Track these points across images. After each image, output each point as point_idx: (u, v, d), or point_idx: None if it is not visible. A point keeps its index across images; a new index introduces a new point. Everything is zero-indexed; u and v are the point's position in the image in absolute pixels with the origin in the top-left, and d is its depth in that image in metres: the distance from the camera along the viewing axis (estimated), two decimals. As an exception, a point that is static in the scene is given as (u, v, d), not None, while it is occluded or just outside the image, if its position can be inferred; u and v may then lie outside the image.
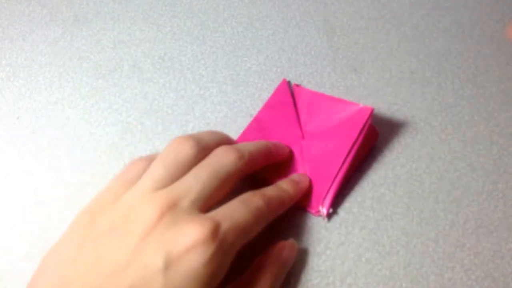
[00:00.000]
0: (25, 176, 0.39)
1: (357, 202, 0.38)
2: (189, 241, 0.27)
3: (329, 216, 0.37)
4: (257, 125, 0.40)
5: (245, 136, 0.40)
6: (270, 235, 0.36)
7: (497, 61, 0.46)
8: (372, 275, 0.35)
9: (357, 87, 0.44)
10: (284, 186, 0.35)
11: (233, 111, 0.42)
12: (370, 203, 0.38)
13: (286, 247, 0.34)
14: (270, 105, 0.42)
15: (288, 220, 0.37)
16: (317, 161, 0.38)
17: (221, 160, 0.32)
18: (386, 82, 0.44)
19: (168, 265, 0.26)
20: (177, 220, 0.28)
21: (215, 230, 0.27)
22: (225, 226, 0.28)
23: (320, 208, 0.37)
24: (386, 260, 0.35)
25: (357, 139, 0.38)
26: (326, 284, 0.34)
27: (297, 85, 0.43)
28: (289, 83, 0.43)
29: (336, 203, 0.38)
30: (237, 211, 0.30)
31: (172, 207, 0.28)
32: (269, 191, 0.34)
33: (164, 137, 0.41)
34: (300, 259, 0.35)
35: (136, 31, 0.48)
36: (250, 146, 0.35)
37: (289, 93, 0.42)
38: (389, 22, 0.49)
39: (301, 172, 0.38)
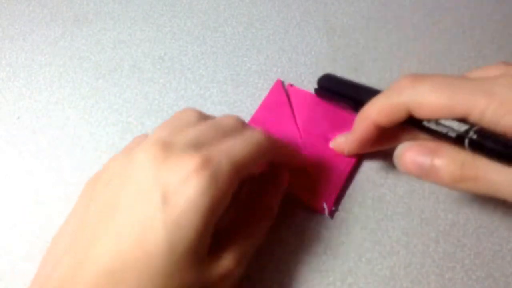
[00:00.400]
0: (25, 176, 0.39)
1: (358, 202, 0.38)
2: (182, 173, 0.27)
3: (332, 213, 0.37)
4: (254, 126, 0.40)
5: None
6: (270, 234, 0.36)
7: (497, 61, 0.46)
8: (372, 275, 0.35)
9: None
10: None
11: (233, 111, 0.42)
12: (371, 203, 0.38)
13: (282, 172, 0.35)
14: (266, 105, 0.42)
15: (288, 219, 0.37)
16: (318, 160, 0.38)
17: (223, 119, 0.32)
18: (386, 82, 0.44)
19: (165, 200, 0.26)
20: (170, 157, 0.28)
21: (208, 160, 0.27)
22: (219, 156, 0.28)
23: (324, 205, 0.37)
24: (386, 260, 0.35)
25: None
26: (327, 284, 0.34)
27: (291, 85, 0.43)
28: (283, 83, 0.43)
29: (337, 202, 0.38)
30: (232, 143, 0.30)
31: (166, 148, 0.28)
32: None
33: (164, 137, 0.41)
34: (301, 259, 0.35)
35: (136, 31, 0.48)
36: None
37: (283, 93, 0.42)
38: (390, 22, 0.49)
39: (301, 174, 0.38)
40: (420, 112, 0.30)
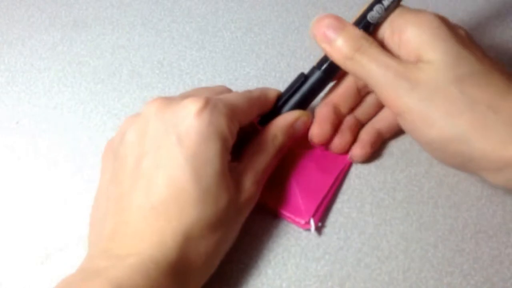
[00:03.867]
0: (24, 180, 0.39)
1: (356, 207, 0.38)
2: (187, 115, 0.31)
3: (318, 229, 0.37)
4: None
5: None
6: (269, 238, 0.36)
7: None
8: (371, 280, 0.35)
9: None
10: None
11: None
12: (369, 208, 0.38)
13: (303, 118, 0.38)
14: None
15: (287, 224, 0.37)
16: (306, 175, 0.38)
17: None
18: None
19: (180, 140, 0.30)
20: (172, 105, 0.32)
21: (206, 101, 0.31)
22: (215, 100, 0.32)
23: (311, 222, 0.36)
24: (385, 265, 0.35)
25: (347, 163, 0.40)
26: (325, 289, 0.34)
27: None
28: None
29: (330, 210, 0.38)
30: (228, 95, 0.35)
31: (167, 101, 0.32)
32: None
33: (163, 142, 0.41)
34: (299, 264, 0.35)
35: (135, 36, 0.48)
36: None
37: None
38: (388, 27, 0.49)
39: (290, 186, 0.38)
40: (392, 38, 0.35)
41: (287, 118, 0.37)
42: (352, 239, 0.36)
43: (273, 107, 0.38)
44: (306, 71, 0.38)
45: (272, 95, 0.38)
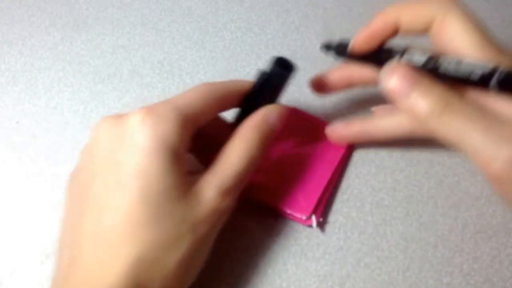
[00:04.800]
0: (24, 180, 0.39)
1: (356, 207, 0.38)
2: (130, 128, 0.29)
3: (320, 225, 0.37)
4: None
5: None
6: (269, 238, 0.36)
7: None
8: (371, 279, 0.35)
9: (356, 91, 0.44)
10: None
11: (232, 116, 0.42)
12: (369, 207, 0.38)
13: (273, 109, 0.34)
14: None
15: (286, 224, 0.37)
16: (304, 170, 0.38)
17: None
18: (385, 87, 0.44)
19: (124, 155, 0.28)
20: (118, 120, 0.30)
21: (149, 110, 0.29)
22: (161, 105, 0.30)
23: (313, 218, 0.36)
24: (385, 265, 0.35)
25: (343, 155, 0.39)
26: (325, 289, 0.35)
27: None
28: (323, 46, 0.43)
29: (330, 210, 0.38)
30: (177, 95, 0.31)
31: (115, 118, 0.31)
32: None
33: (163, 142, 0.41)
34: (299, 264, 0.35)
35: (136, 35, 0.48)
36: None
37: None
38: (388, 27, 0.49)
39: (289, 182, 0.38)
40: (438, 34, 0.31)
41: (257, 115, 0.33)
42: (352, 239, 0.36)
43: (244, 103, 0.35)
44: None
45: (237, 88, 0.34)
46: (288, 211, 0.36)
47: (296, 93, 0.44)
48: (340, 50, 0.36)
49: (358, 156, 0.40)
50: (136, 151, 0.28)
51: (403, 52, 0.31)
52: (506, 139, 0.27)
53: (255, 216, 0.37)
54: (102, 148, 0.30)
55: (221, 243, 0.36)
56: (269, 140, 0.33)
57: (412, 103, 0.30)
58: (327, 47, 0.38)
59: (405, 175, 0.39)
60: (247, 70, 0.45)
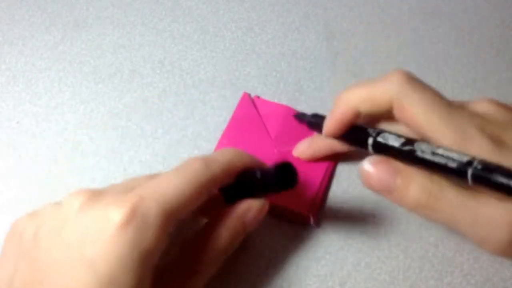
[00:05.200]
0: (24, 180, 0.39)
1: (357, 207, 0.38)
2: (108, 229, 0.25)
3: (318, 223, 0.37)
4: (228, 141, 0.40)
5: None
6: (270, 238, 0.36)
7: (496, 66, 0.46)
8: (371, 279, 0.35)
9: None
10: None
11: (232, 116, 0.42)
12: (370, 207, 0.38)
13: (253, 208, 0.32)
14: (236, 120, 0.41)
15: (286, 224, 0.37)
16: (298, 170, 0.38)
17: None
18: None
19: (94, 261, 0.25)
20: (96, 206, 0.27)
21: (133, 209, 0.26)
22: (147, 201, 0.26)
23: (310, 217, 0.36)
24: (385, 265, 0.35)
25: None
26: (326, 288, 0.35)
27: (258, 97, 0.43)
28: (249, 95, 0.43)
29: (330, 212, 0.38)
30: (167, 179, 0.28)
31: (93, 200, 0.27)
32: (215, 153, 0.33)
33: (163, 142, 0.41)
34: (300, 264, 0.35)
35: (136, 35, 0.48)
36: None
37: (252, 105, 0.42)
38: (389, 27, 0.49)
39: None
40: (399, 113, 0.30)
41: (236, 211, 0.31)
42: (353, 238, 0.36)
43: (237, 179, 0.32)
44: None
45: (224, 172, 0.31)
46: (286, 209, 0.37)
47: (297, 92, 0.44)
48: (313, 124, 0.37)
49: (359, 156, 0.40)
50: (111, 257, 0.25)
51: (377, 133, 0.31)
52: (495, 224, 0.27)
53: (255, 216, 0.37)
54: (71, 233, 0.26)
55: (221, 243, 0.36)
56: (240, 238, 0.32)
57: (397, 196, 0.29)
58: (301, 117, 0.38)
59: (406, 175, 0.39)
60: (248, 70, 0.45)
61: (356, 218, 0.37)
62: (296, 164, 0.37)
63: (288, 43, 0.47)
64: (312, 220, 0.36)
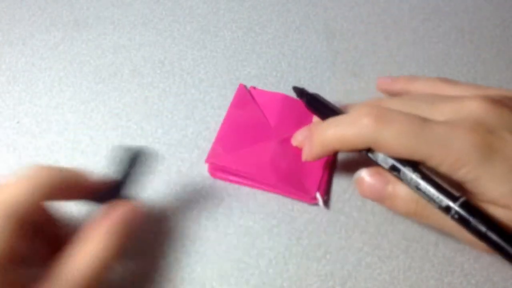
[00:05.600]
0: (25, 180, 0.39)
1: (357, 206, 0.38)
2: None
3: (325, 202, 0.38)
4: (229, 128, 0.40)
5: (220, 139, 0.40)
6: (270, 238, 0.36)
7: (496, 65, 0.46)
8: (372, 279, 0.35)
9: (356, 91, 0.44)
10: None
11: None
12: (371, 207, 0.38)
13: (127, 207, 0.31)
14: (234, 110, 0.42)
15: (287, 224, 0.37)
16: (299, 156, 0.38)
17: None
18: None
19: None
20: None
21: None
22: None
23: (317, 195, 0.37)
24: (386, 265, 0.35)
25: None
26: (326, 288, 0.35)
27: (254, 88, 0.44)
28: (245, 86, 0.43)
29: (331, 211, 0.38)
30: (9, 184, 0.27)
31: None
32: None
33: (164, 142, 0.41)
34: (300, 264, 0.35)
35: (136, 35, 0.48)
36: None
37: (249, 96, 0.43)
38: (389, 27, 0.49)
39: (290, 170, 0.38)
40: (380, 151, 0.32)
41: (114, 216, 0.30)
42: (353, 238, 0.36)
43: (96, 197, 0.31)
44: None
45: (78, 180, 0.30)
46: (293, 194, 0.38)
47: (297, 92, 0.44)
48: (310, 102, 0.38)
49: (360, 156, 0.40)
50: None
51: (368, 150, 0.33)
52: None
53: (255, 217, 0.37)
54: None
55: (222, 244, 0.36)
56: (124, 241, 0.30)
57: (389, 204, 0.33)
58: (299, 92, 0.39)
59: (406, 175, 0.39)
60: (248, 70, 0.45)
61: (357, 218, 0.37)
62: (298, 149, 0.38)
63: (289, 43, 0.47)
64: (320, 200, 0.37)
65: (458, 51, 0.47)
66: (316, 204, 0.37)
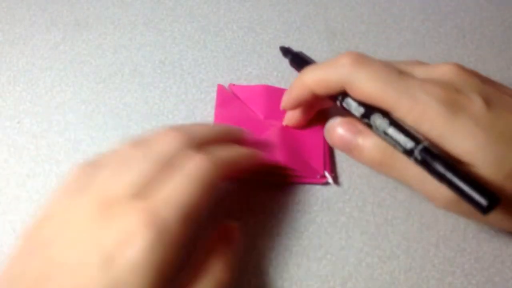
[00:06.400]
0: (25, 180, 0.39)
1: (358, 207, 0.38)
2: (125, 232, 0.25)
3: (334, 179, 0.39)
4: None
5: None
6: (270, 238, 0.36)
7: (498, 66, 0.46)
8: (372, 280, 0.35)
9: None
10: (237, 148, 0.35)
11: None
12: (371, 207, 0.38)
13: (231, 229, 0.32)
14: (220, 113, 0.42)
15: (288, 224, 0.37)
16: (298, 140, 0.39)
17: (158, 143, 0.30)
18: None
19: (107, 263, 0.25)
20: (113, 214, 0.26)
21: (153, 215, 0.26)
22: (165, 207, 0.27)
23: (326, 174, 0.38)
24: (386, 265, 0.35)
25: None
26: (327, 289, 0.35)
27: (233, 84, 0.44)
28: (223, 86, 0.44)
29: (331, 211, 0.38)
30: (177, 185, 0.28)
31: (105, 203, 0.27)
32: (217, 149, 0.32)
33: (164, 142, 0.41)
34: (301, 264, 0.35)
35: (137, 35, 0.48)
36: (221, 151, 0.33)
37: (231, 94, 0.43)
38: (390, 27, 0.49)
39: (293, 154, 0.39)
40: (352, 93, 0.33)
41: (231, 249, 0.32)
42: (354, 239, 0.36)
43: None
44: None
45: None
46: (302, 175, 0.38)
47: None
48: (295, 62, 0.40)
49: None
50: (126, 262, 0.25)
51: (343, 97, 0.34)
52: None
53: (256, 217, 0.37)
54: (83, 238, 0.26)
55: (222, 243, 0.36)
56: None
57: (356, 154, 0.34)
58: (285, 52, 0.40)
59: (407, 175, 0.39)
60: (249, 70, 0.45)
61: (357, 218, 0.37)
62: (294, 134, 0.39)
63: (289, 43, 0.47)
64: (330, 178, 0.38)
65: (458, 51, 0.47)
66: (326, 183, 0.38)
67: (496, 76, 0.44)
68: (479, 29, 0.48)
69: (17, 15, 0.50)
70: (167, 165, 0.29)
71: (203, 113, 0.42)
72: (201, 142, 0.32)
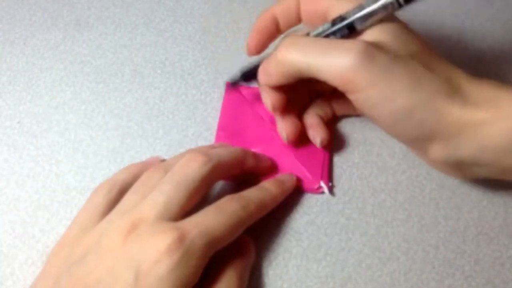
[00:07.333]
0: (25, 180, 0.39)
1: (358, 208, 0.38)
2: (155, 252, 0.28)
3: (330, 189, 0.38)
4: (225, 133, 0.41)
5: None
6: (270, 239, 0.36)
7: (498, 67, 0.46)
8: (372, 281, 0.35)
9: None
10: (267, 186, 0.36)
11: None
12: (371, 209, 0.38)
13: (246, 242, 0.34)
14: (226, 111, 0.42)
15: (287, 225, 0.37)
16: (298, 150, 0.39)
17: (185, 169, 0.32)
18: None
19: (137, 278, 0.27)
20: (143, 234, 0.29)
21: (181, 237, 0.28)
22: (193, 232, 0.29)
23: (322, 184, 0.38)
24: (386, 267, 0.35)
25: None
26: (327, 290, 0.34)
27: (241, 85, 0.43)
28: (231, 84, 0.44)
29: (331, 213, 0.38)
30: (209, 217, 0.30)
31: (138, 224, 0.29)
32: (249, 193, 0.34)
33: (164, 142, 0.41)
34: (300, 265, 0.35)
35: (137, 35, 0.48)
36: (221, 151, 0.35)
37: (238, 93, 0.43)
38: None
39: (285, 162, 0.39)
40: (307, 8, 0.36)
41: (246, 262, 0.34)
42: (354, 240, 0.36)
43: None
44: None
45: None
46: (299, 184, 0.38)
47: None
48: (247, 78, 0.40)
49: (360, 157, 0.40)
50: (152, 279, 0.27)
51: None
52: (344, 51, 0.31)
53: (256, 217, 0.37)
54: (115, 257, 0.29)
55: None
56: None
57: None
58: (235, 83, 0.41)
59: (407, 177, 0.39)
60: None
61: (357, 220, 0.37)
62: (294, 147, 0.40)
63: (290, 43, 0.47)
64: (326, 188, 0.38)
65: (459, 53, 0.47)
66: (322, 193, 0.38)
67: (496, 78, 0.44)
68: (479, 31, 0.48)
69: (17, 15, 0.50)
70: (196, 188, 0.32)
71: (203, 113, 0.42)
72: (226, 168, 0.35)
